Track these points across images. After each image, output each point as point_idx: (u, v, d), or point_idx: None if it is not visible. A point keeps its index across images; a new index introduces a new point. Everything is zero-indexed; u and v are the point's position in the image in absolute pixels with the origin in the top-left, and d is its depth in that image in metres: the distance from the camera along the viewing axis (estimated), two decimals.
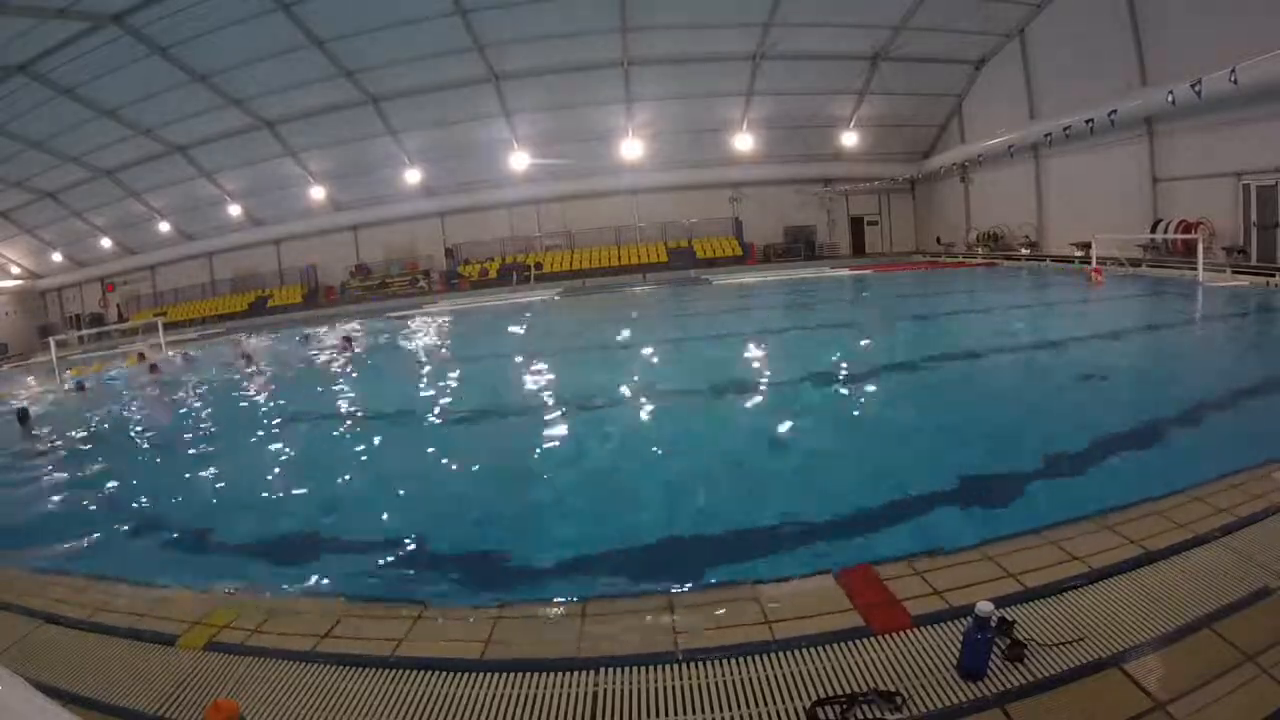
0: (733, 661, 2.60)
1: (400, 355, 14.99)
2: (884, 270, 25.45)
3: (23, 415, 10.29)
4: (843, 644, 2.64)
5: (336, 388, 11.55)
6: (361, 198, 31.06)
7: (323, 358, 14.93)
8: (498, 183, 30.33)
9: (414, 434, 7.72)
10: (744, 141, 28.46)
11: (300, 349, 17.22)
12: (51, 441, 9.08)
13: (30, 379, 18.11)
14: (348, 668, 2.75)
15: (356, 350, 15.11)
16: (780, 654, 2.62)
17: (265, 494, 6.03)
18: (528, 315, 19.65)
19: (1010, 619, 2.61)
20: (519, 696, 2.50)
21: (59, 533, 5.29)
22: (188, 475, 6.73)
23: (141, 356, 17.86)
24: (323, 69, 22.44)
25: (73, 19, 17.08)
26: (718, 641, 2.74)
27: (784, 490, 5.03)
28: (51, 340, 17.54)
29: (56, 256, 33.57)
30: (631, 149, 28.34)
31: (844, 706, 2.27)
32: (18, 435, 9.52)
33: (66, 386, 14.53)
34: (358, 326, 20.71)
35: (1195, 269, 14.55)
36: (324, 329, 21.46)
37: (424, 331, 18.83)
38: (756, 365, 10.26)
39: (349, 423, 8.59)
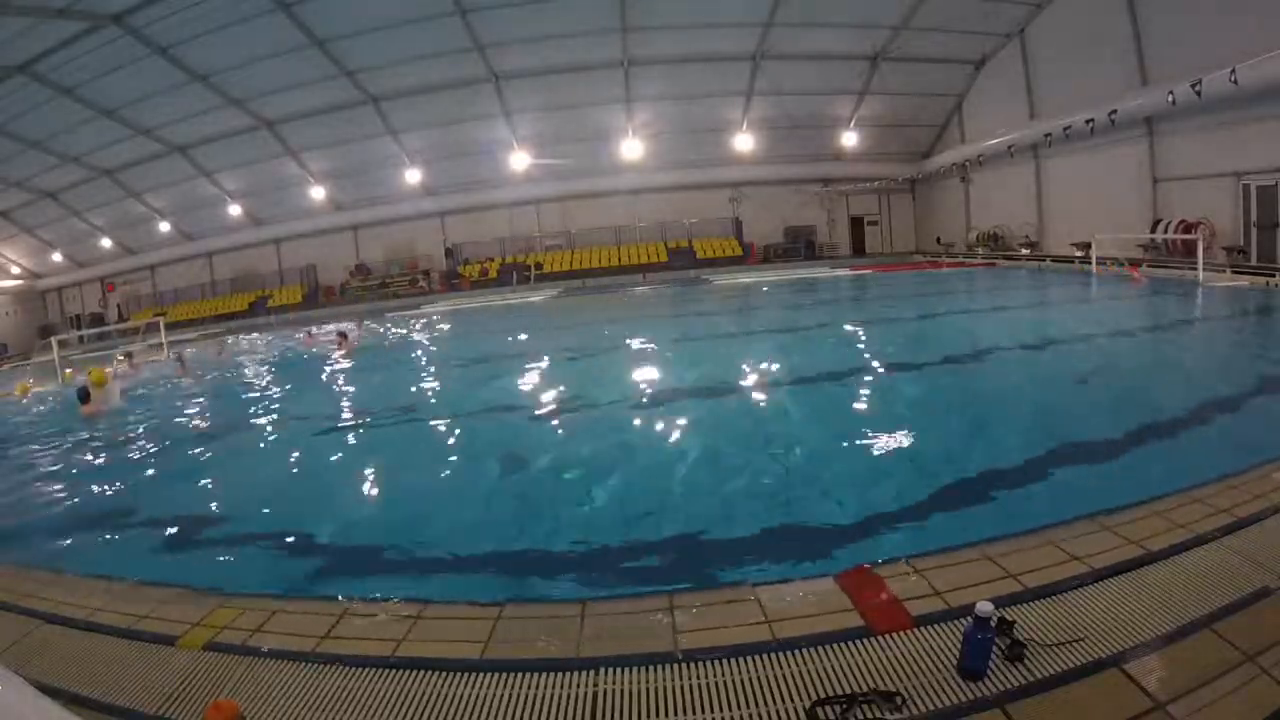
0: (733, 661, 2.60)
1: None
2: (885, 270, 25.43)
3: None
4: (843, 644, 2.64)
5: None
6: (361, 198, 31.05)
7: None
8: (498, 183, 30.31)
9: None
10: (744, 141, 28.41)
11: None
12: None
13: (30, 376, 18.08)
14: (348, 668, 2.74)
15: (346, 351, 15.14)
16: (780, 654, 2.61)
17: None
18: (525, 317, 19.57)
19: (1010, 619, 2.61)
20: (519, 696, 2.50)
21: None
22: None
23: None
24: (323, 69, 22.42)
25: (73, 19, 17.07)
26: (718, 641, 2.73)
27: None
28: (54, 340, 17.52)
29: (56, 256, 33.55)
30: (631, 149, 28.31)
31: (844, 706, 2.26)
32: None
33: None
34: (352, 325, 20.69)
35: (1195, 269, 14.54)
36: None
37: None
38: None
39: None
